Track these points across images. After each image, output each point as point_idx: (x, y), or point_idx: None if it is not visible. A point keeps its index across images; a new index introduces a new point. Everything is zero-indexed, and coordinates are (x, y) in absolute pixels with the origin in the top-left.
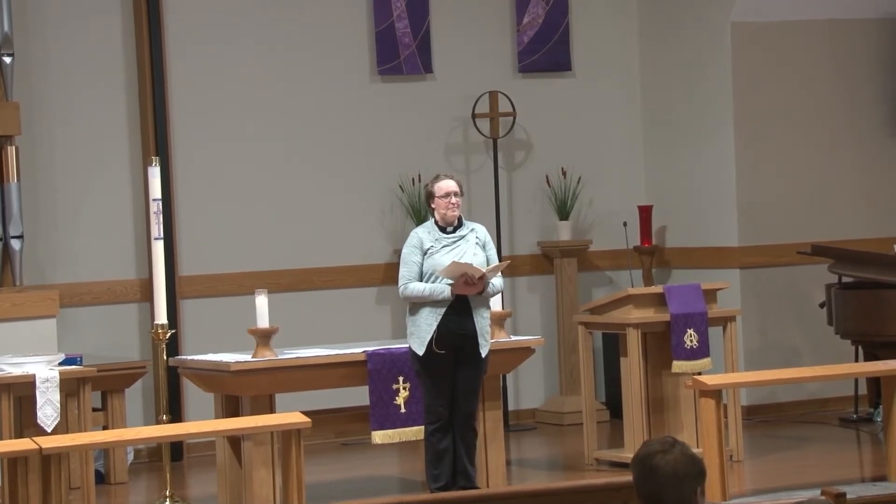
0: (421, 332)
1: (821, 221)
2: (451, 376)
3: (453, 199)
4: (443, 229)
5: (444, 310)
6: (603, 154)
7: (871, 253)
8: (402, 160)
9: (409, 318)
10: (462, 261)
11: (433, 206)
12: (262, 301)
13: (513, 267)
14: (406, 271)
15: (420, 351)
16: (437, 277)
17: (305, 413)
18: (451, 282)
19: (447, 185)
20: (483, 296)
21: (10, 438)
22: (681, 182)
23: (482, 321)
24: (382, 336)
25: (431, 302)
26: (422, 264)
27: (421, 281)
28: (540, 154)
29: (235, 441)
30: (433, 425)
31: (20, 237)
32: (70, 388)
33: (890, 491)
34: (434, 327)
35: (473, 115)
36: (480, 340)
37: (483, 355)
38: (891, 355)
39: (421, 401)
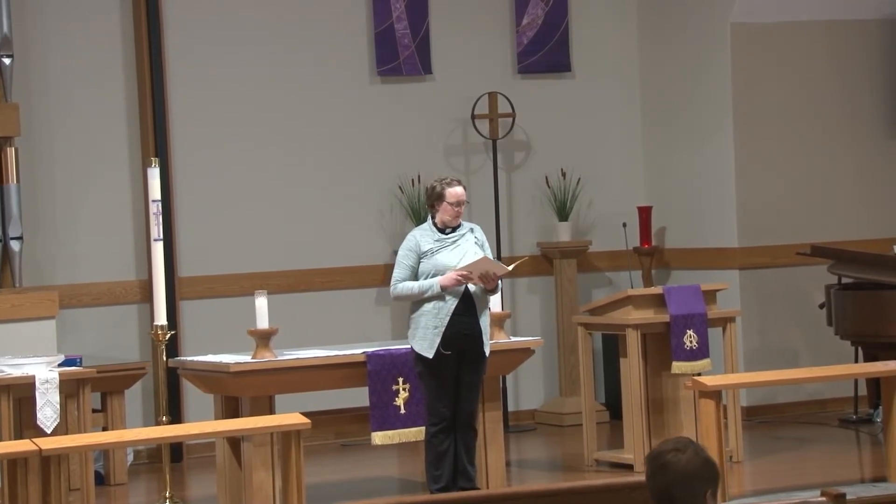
0: (427, 335)
1: (820, 222)
2: (455, 377)
3: (461, 209)
4: (441, 230)
5: (449, 311)
6: (602, 155)
7: (871, 254)
8: (401, 161)
9: (413, 319)
10: (464, 259)
11: (438, 208)
12: (261, 302)
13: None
14: (398, 273)
15: (429, 354)
16: (434, 275)
17: (305, 414)
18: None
19: (459, 193)
20: (488, 294)
21: (10, 440)
22: (680, 183)
23: (485, 321)
24: (382, 337)
25: (435, 303)
26: (416, 268)
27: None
28: (539, 155)
29: (235, 442)
30: (436, 426)
31: (20, 238)
32: (70, 389)
33: (890, 492)
34: (440, 329)
35: (473, 116)
36: (485, 339)
37: (487, 354)
38: (890, 356)
39: (421, 402)
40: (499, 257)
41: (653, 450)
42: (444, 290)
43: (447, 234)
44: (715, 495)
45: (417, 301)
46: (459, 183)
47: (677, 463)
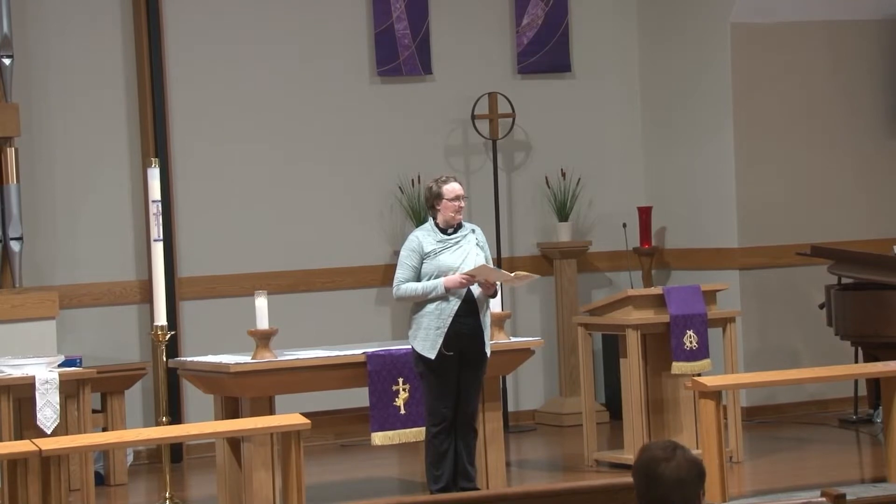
0: (430, 335)
1: (820, 222)
2: (456, 378)
3: (462, 203)
4: (444, 231)
5: (452, 311)
6: (602, 155)
7: (871, 254)
8: (401, 161)
9: (414, 319)
10: (467, 260)
11: (439, 207)
12: (261, 302)
13: (512, 268)
14: (401, 273)
15: (431, 354)
16: (437, 276)
17: (305, 414)
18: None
19: (456, 188)
20: (487, 295)
21: (10, 440)
22: (680, 183)
23: (486, 321)
24: (382, 337)
25: (438, 304)
26: (419, 268)
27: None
28: (539, 155)
29: (235, 442)
30: (437, 427)
31: (20, 239)
32: (70, 389)
33: (890, 492)
34: (443, 330)
35: (473, 117)
36: (486, 340)
37: (488, 355)
38: (890, 356)
39: (421, 402)
40: (499, 258)
41: (639, 460)
42: (448, 292)
43: (449, 234)
44: (704, 492)
45: (419, 301)
46: (455, 179)
47: (670, 473)
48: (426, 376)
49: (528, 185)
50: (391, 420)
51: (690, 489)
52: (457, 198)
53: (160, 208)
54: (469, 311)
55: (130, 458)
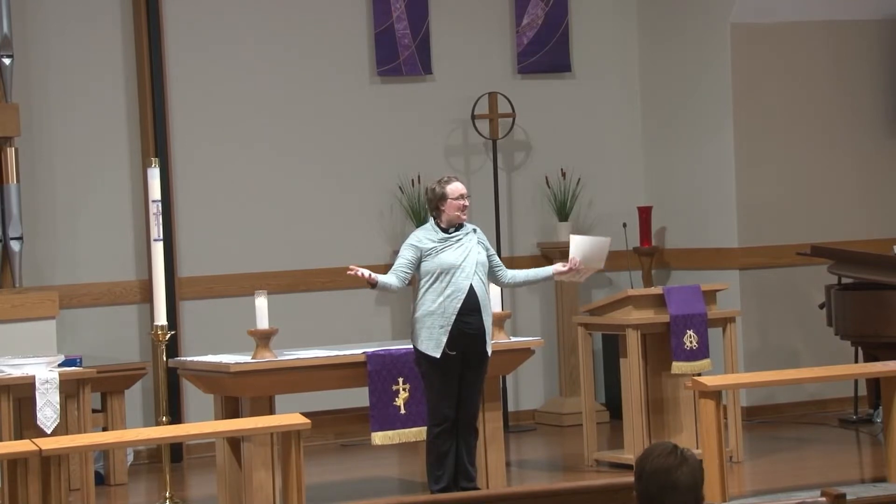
0: (434, 334)
1: (820, 222)
2: (458, 377)
3: (466, 202)
4: (445, 230)
5: (455, 310)
6: (602, 155)
7: (871, 254)
8: (401, 161)
9: (417, 319)
10: (468, 258)
11: (443, 207)
12: (261, 302)
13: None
14: (395, 263)
15: (437, 353)
16: (439, 274)
17: (305, 414)
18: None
19: (460, 187)
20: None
21: (10, 440)
22: (680, 183)
23: (489, 320)
24: (382, 337)
25: (441, 303)
26: (413, 262)
27: (408, 277)
28: (539, 155)
29: (235, 442)
30: (439, 427)
31: (20, 238)
32: (70, 389)
33: (890, 492)
34: (447, 329)
35: (473, 117)
36: (487, 339)
37: (489, 354)
38: (890, 356)
39: (421, 402)
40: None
41: (646, 469)
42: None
43: (450, 233)
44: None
45: (421, 301)
46: (457, 178)
47: (687, 479)
48: (429, 375)
49: (528, 185)
50: (391, 420)
51: (699, 492)
52: (461, 196)
53: (160, 208)
54: (472, 311)
55: (130, 458)
